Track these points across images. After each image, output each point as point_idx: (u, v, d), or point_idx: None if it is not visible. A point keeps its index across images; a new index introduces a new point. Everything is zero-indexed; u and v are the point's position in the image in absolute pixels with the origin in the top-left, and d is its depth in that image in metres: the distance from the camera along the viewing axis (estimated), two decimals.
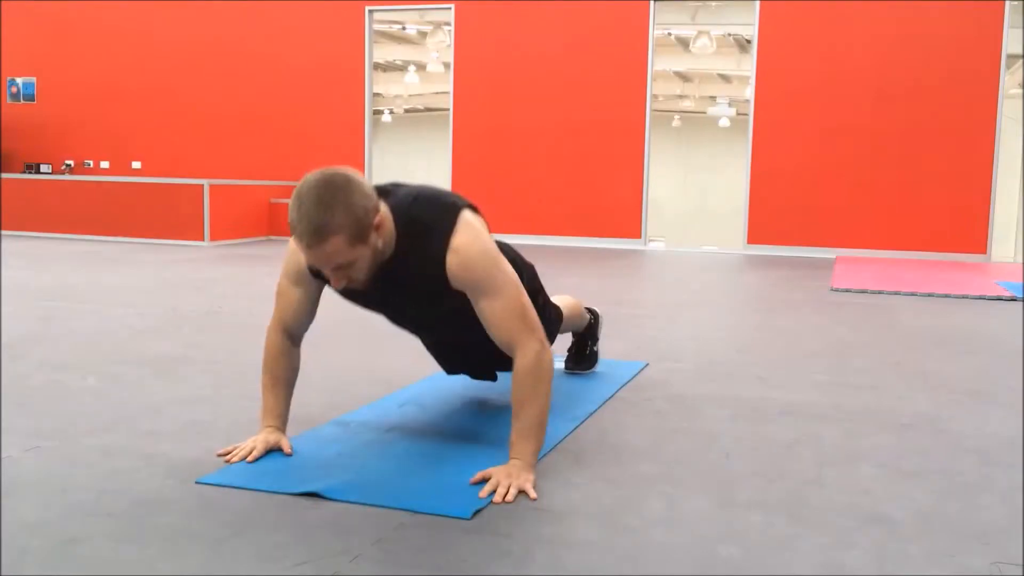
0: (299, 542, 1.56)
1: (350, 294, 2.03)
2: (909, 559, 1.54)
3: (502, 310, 1.89)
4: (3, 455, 1.99)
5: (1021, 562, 1.53)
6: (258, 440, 2.02)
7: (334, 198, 1.69)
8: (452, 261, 1.87)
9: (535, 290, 2.28)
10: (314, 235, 1.69)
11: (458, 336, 2.24)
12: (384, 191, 1.91)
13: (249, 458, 1.97)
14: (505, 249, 2.13)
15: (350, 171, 1.76)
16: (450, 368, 2.51)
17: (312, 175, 1.74)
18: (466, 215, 1.93)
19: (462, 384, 2.75)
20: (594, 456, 2.08)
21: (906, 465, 2.06)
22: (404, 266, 1.90)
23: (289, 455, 2.00)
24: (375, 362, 3.08)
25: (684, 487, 1.88)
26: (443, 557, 1.50)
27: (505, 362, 2.15)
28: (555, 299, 2.67)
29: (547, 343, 1.94)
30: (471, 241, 1.88)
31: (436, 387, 2.71)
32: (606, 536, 1.61)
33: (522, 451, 1.88)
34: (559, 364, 3.04)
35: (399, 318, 2.21)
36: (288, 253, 2.03)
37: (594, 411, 2.48)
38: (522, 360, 1.89)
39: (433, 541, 1.57)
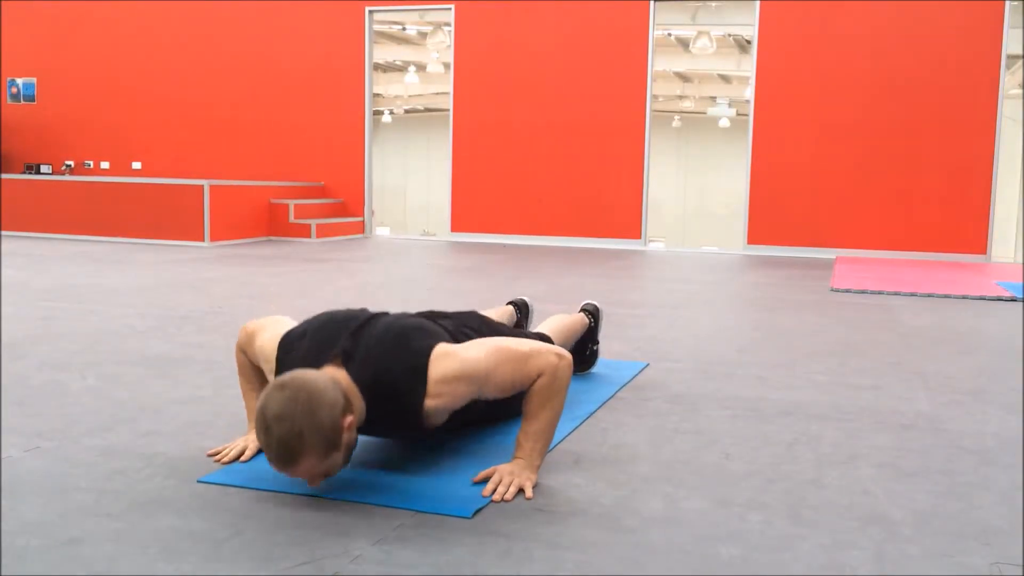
0: (299, 542, 1.56)
1: None
2: (909, 559, 1.54)
3: (504, 381, 1.87)
4: (3, 455, 1.99)
5: (1021, 562, 1.53)
6: (249, 440, 2.03)
7: (301, 422, 1.63)
8: (430, 413, 1.84)
9: (498, 332, 2.27)
10: (286, 461, 1.66)
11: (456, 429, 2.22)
12: (346, 354, 1.83)
13: (242, 459, 1.98)
14: (454, 323, 2.15)
15: (311, 383, 1.68)
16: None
17: (274, 396, 1.66)
18: (433, 371, 1.83)
19: None
20: (594, 456, 2.08)
21: (906, 465, 2.06)
22: (380, 425, 1.89)
23: None
24: None
25: (684, 487, 1.88)
26: (443, 557, 1.50)
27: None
28: (542, 328, 2.72)
29: (559, 351, 1.91)
30: (443, 394, 1.83)
31: None
32: (606, 536, 1.61)
33: (527, 452, 1.89)
34: None
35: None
36: (268, 340, 2.00)
37: (594, 411, 2.48)
38: (539, 381, 1.89)
39: (433, 541, 1.57)
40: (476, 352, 1.86)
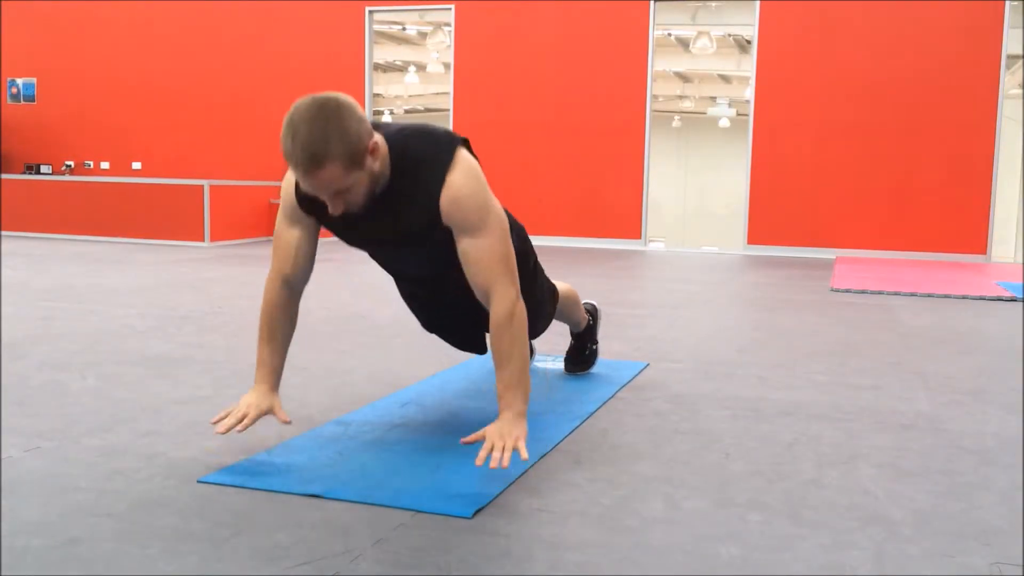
0: (299, 542, 1.56)
1: (340, 229, 2.02)
2: (909, 559, 1.54)
3: (484, 250, 1.89)
4: (3, 455, 1.99)
5: (1021, 562, 1.53)
6: (251, 405, 1.96)
7: (327, 125, 1.68)
8: (446, 195, 1.87)
9: (525, 251, 2.27)
10: (310, 163, 1.68)
11: (440, 286, 2.23)
12: (376, 124, 1.90)
13: (240, 427, 1.92)
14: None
15: (341, 96, 1.75)
16: (427, 323, 2.49)
17: (303, 101, 1.72)
18: (462, 153, 1.92)
19: (463, 384, 2.75)
20: (594, 456, 2.08)
21: (906, 465, 2.06)
22: (398, 199, 1.90)
23: (286, 422, 1.97)
24: (376, 362, 3.08)
25: (684, 487, 1.88)
26: (443, 557, 1.50)
27: (480, 326, 2.22)
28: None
29: (521, 295, 1.94)
30: (466, 178, 1.88)
31: (437, 387, 2.71)
32: (606, 536, 1.61)
33: (511, 401, 1.88)
34: (559, 364, 3.05)
35: (385, 256, 2.16)
36: (283, 193, 2.02)
37: (594, 411, 2.48)
38: (499, 307, 1.89)
39: (433, 541, 1.57)
40: (495, 207, 1.93)
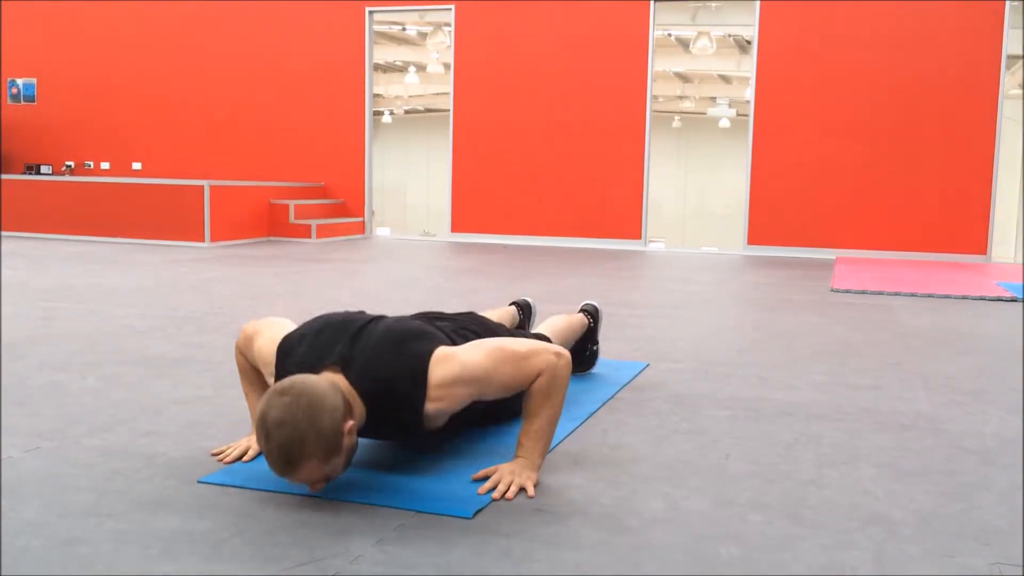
0: (299, 543, 1.56)
1: None
2: (909, 559, 1.54)
3: (502, 384, 1.87)
4: (3, 455, 1.99)
5: (1021, 562, 1.53)
6: (252, 441, 2.03)
7: (302, 427, 1.63)
8: (430, 416, 1.85)
9: (496, 332, 2.26)
10: (288, 467, 1.66)
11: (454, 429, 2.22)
12: (344, 360, 1.82)
13: (244, 459, 1.98)
14: (449, 325, 2.14)
15: (312, 387, 1.68)
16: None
17: (275, 401, 1.65)
18: (433, 376, 1.82)
19: None
20: (594, 456, 2.08)
21: (906, 465, 2.06)
22: (380, 429, 1.89)
23: None
24: None
25: (684, 487, 1.88)
26: (443, 557, 1.50)
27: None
28: (541, 328, 2.72)
29: (558, 350, 1.91)
30: (443, 398, 1.83)
31: None
32: (606, 536, 1.61)
33: (529, 451, 1.89)
34: None
35: None
36: (267, 342, 1.99)
37: (594, 411, 2.48)
38: (538, 380, 1.88)
39: (433, 541, 1.57)
40: (475, 354, 1.86)
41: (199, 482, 1.84)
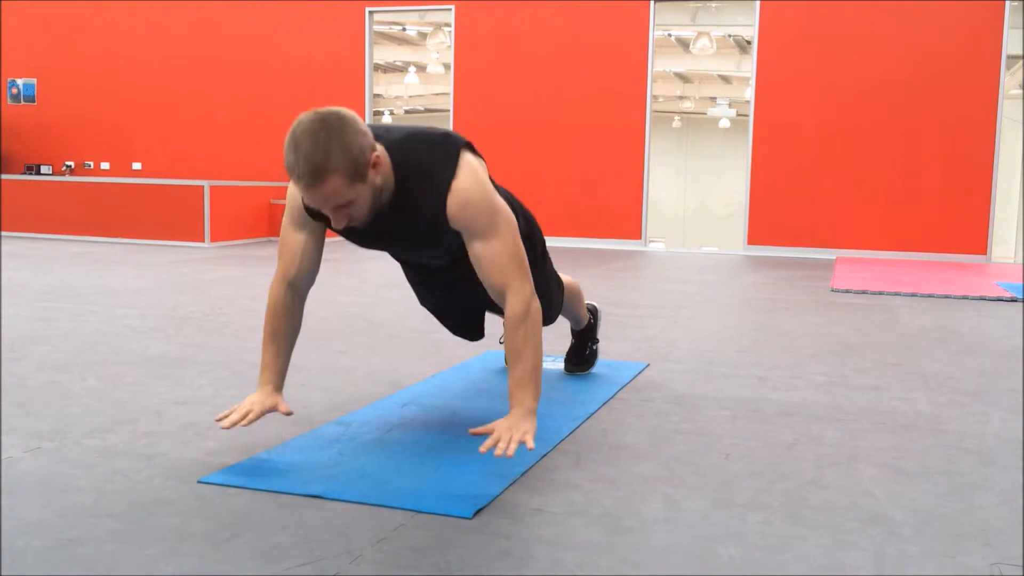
0: (299, 543, 1.56)
1: (350, 233, 2.04)
2: (909, 559, 1.54)
3: (496, 252, 1.91)
4: (3, 455, 1.99)
5: (1021, 563, 1.53)
6: (255, 402, 1.98)
7: (330, 138, 1.69)
8: (452, 202, 1.88)
9: (532, 235, 2.27)
10: (312, 176, 1.69)
11: (449, 274, 2.25)
12: (377, 134, 1.89)
13: (244, 422, 1.93)
14: (504, 195, 2.13)
15: (344, 110, 1.75)
16: (425, 300, 2.52)
17: (305, 116, 1.72)
18: (466, 157, 1.93)
19: (463, 384, 2.75)
20: (594, 456, 2.08)
21: (906, 465, 2.06)
22: (404, 208, 1.91)
23: (288, 413, 1.99)
24: (376, 362, 3.08)
25: (684, 487, 1.88)
26: (443, 557, 1.50)
27: (478, 313, 2.29)
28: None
29: (535, 293, 1.95)
30: (471, 183, 1.89)
31: (438, 387, 2.71)
32: (606, 537, 1.61)
33: (521, 399, 1.89)
34: (559, 365, 3.05)
35: (395, 252, 2.21)
36: (288, 196, 2.02)
37: (594, 412, 2.48)
38: (513, 304, 1.90)
39: (433, 541, 1.57)
40: (503, 208, 1.93)
41: (199, 482, 1.84)
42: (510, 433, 1.81)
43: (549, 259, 2.46)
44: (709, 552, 1.55)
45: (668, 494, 1.83)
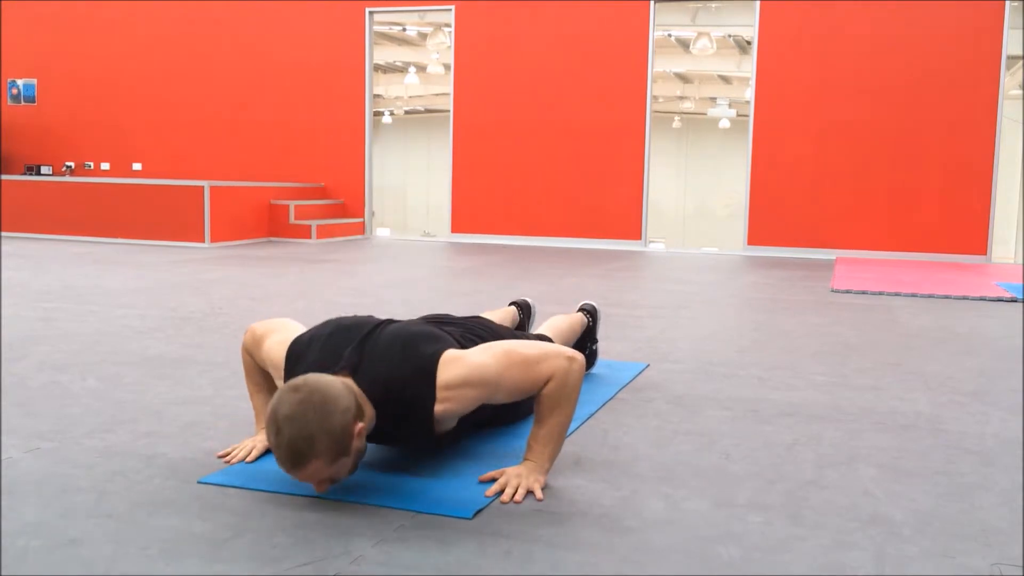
0: (299, 543, 1.56)
1: None
2: (909, 559, 1.54)
3: (513, 387, 1.86)
4: (3, 456, 1.99)
5: (1021, 563, 1.53)
6: (257, 441, 2.04)
7: (310, 423, 1.63)
8: (440, 418, 1.84)
9: (485, 337, 2.20)
10: (294, 463, 1.65)
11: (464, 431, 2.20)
12: (353, 366, 1.81)
13: (248, 458, 1.99)
14: (456, 324, 2.15)
15: (325, 386, 1.68)
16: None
17: (287, 397, 1.66)
18: (441, 377, 1.81)
19: None
20: (595, 457, 2.08)
21: (906, 465, 2.06)
22: (390, 433, 1.88)
23: None
24: None
25: (684, 488, 1.88)
26: (443, 558, 1.50)
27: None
28: (542, 329, 2.71)
29: (572, 354, 1.89)
30: (450, 403, 1.82)
31: None
32: (606, 537, 1.61)
33: (538, 455, 1.88)
34: None
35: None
36: (277, 344, 1.98)
37: (595, 412, 2.48)
38: (549, 385, 1.86)
39: (434, 542, 1.57)
40: (484, 357, 1.85)
41: (199, 482, 1.84)
42: (518, 481, 1.81)
43: (508, 331, 2.40)
44: (709, 552, 1.55)
45: (668, 494, 1.83)
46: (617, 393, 2.70)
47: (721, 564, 1.50)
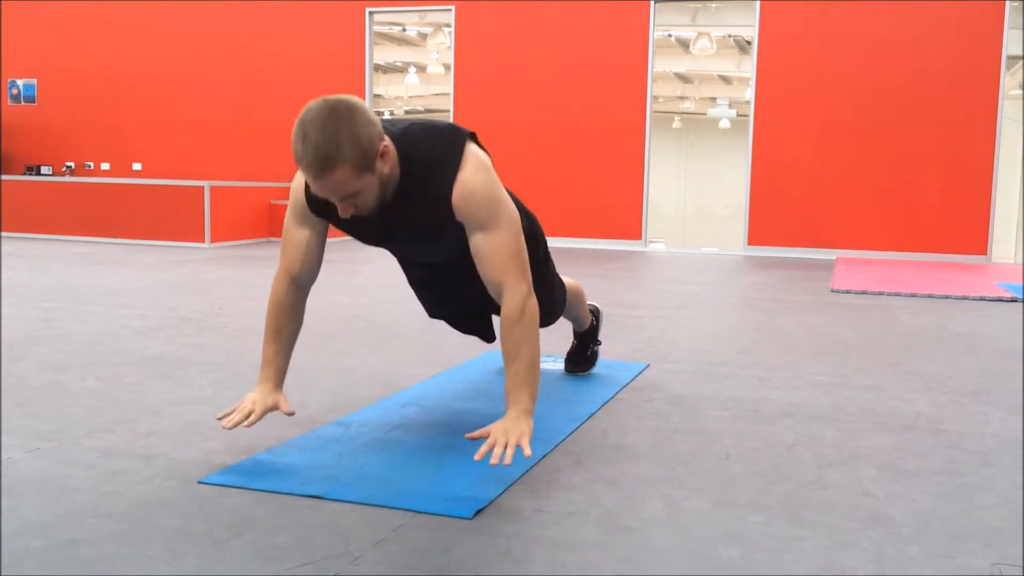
0: (299, 543, 1.56)
1: (354, 228, 2.03)
2: (909, 560, 1.54)
3: (496, 246, 1.90)
4: (3, 456, 1.99)
5: (1021, 563, 1.53)
6: (256, 401, 1.97)
7: (339, 128, 1.68)
8: (458, 192, 1.88)
9: (534, 235, 2.27)
10: (321, 166, 1.68)
11: (453, 272, 2.23)
12: (384, 125, 1.88)
13: (246, 423, 1.93)
14: (508, 195, 2.14)
15: (352, 99, 1.74)
16: (434, 308, 2.50)
17: (314, 104, 1.71)
18: (471, 148, 1.92)
19: (464, 385, 2.75)
20: (594, 457, 2.08)
21: (906, 465, 2.06)
22: (409, 200, 1.90)
23: (289, 414, 1.99)
24: (376, 362, 3.08)
25: (684, 488, 1.88)
26: (443, 558, 1.50)
27: (487, 312, 2.25)
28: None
29: (533, 291, 1.94)
30: (476, 174, 1.89)
31: (438, 388, 2.71)
32: (606, 537, 1.61)
33: (517, 398, 1.87)
34: (560, 365, 3.05)
35: (398, 248, 2.18)
36: (292, 193, 2.02)
37: (594, 412, 2.48)
38: (510, 302, 1.89)
39: (433, 542, 1.57)
40: (507, 202, 1.92)
41: (199, 482, 1.84)
42: (505, 437, 1.78)
43: (551, 261, 2.45)
44: (709, 552, 1.55)
45: (668, 494, 1.83)
46: (617, 393, 2.70)
47: (721, 564, 1.50)
